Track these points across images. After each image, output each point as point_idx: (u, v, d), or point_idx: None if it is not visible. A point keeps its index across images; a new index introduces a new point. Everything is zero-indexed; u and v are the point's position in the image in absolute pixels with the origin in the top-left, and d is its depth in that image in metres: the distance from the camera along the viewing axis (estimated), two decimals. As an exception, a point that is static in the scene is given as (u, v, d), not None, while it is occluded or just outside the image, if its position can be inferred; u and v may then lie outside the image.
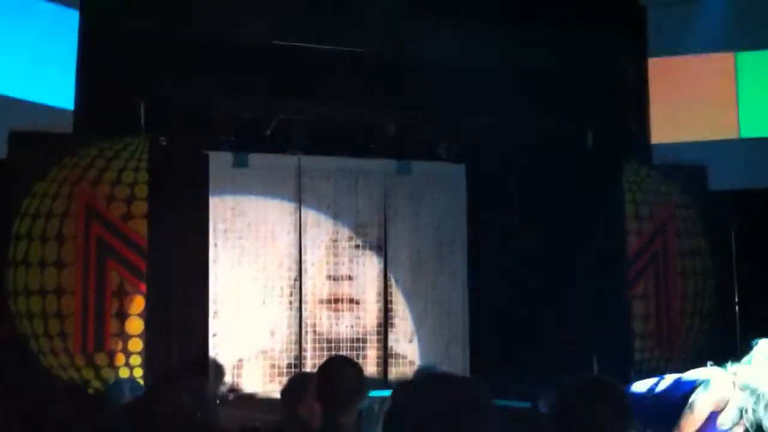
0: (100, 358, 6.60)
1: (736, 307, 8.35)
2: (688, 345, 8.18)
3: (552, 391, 3.09)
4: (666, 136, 8.31)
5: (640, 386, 4.72)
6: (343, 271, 8.84)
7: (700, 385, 4.39)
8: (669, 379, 4.69)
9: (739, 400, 4.30)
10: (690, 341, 8.19)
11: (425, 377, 1.83)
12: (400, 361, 8.93)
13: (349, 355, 8.56)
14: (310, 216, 8.79)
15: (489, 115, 8.40)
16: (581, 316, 8.14)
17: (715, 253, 8.34)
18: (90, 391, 6.29)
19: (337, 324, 8.77)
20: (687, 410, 4.32)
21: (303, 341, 8.61)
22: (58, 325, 6.50)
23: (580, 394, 2.26)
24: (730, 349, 7.91)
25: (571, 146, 8.87)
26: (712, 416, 4.33)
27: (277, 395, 8.16)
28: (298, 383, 3.61)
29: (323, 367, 3.19)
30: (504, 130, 8.71)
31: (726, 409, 4.32)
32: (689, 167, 8.31)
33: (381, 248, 8.98)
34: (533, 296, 8.56)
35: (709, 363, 4.66)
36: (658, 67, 8.35)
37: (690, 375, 4.60)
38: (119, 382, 5.32)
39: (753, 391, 4.27)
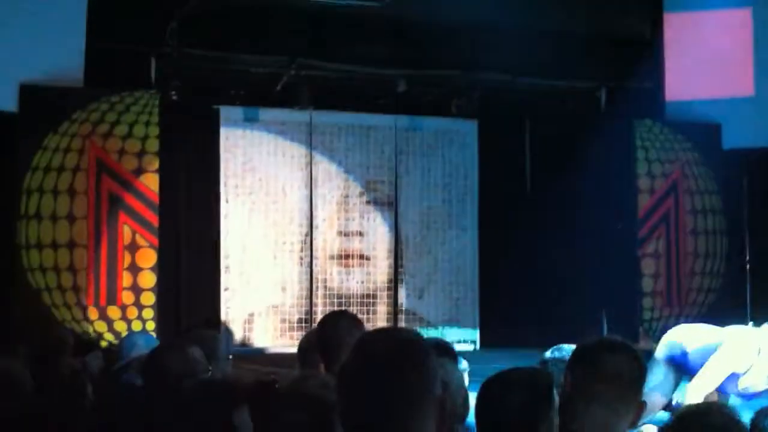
0: (113, 312, 6.66)
1: (748, 266, 8.33)
2: (698, 304, 8.18)
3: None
4: (680, 93, 8.20)
5: (684, 337, 4.59)
6: (354, 226, 8.85)
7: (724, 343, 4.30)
8: (708, 333, 4.56)
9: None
10: (700, 300, 8.19)
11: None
12: (410, 317, 8.98)
13: (359, 311, 8.65)
14: (320, 171, 8.78)
15: (501, 73, 8.32)
16: (591, 273, 8.14)
17: (727, 211, 8.29)
18: (103, 344, 6.37)
19: (347, 279, 8.81)
20: (705, 369, 4.27)
21: (313, 296, 8.66)
22: (71, 279, 6.55)
23: (599, 353, 2.25)
24: (741, 308, 7.97)
25: (584, 103, 8.78)
26: (732, 377, 4.27)
27: (288, 349, 8.28)
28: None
29: (321, 321, 3.21)
30: (516, 87, 8.63)
31: (750, 373, 4.26)
32: (703, 125, 8.23)
33: (392, 204, 8.98)
34: (543, 253, 8.56)
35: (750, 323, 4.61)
36: (673, 24, 8.21)
37: (726, 331, 4.47)
38: (133, 335, 5.36)
39: None
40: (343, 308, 8.46)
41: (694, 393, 4.21)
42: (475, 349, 8.81)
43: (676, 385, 4.52)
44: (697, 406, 2.36)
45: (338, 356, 2.89)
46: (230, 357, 3.57)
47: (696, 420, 1.98)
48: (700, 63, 8.12)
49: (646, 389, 2.35)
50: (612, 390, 2.18)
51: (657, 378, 4.38)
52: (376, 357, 1.56)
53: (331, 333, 2.99)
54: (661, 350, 4.60)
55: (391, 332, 2.12)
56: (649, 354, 4.44)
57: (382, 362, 1.55)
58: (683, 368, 4.47)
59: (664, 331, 7.97)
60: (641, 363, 2.29)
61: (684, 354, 4.47)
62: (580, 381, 2.22)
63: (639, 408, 2.23)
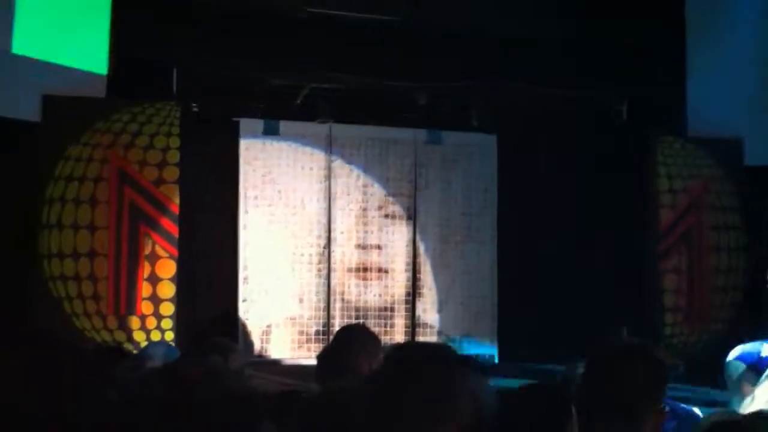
0: (132, 321, 6.68)
1: (769, 283, 8.24)
2: (719, 320, 8.10)
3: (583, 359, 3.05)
4: (702, 108, 8.15)
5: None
6: (372, 239, 8.84)
7: None
8: None
9: None
10: (722, 316, 8.11)
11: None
12: (428, 330, 8.95)
13: (376, 324, 8.63)
14: (339, 184, 8.79)
15: (521, 86, 8.30)
16: (611, 288, 8.08)
17: (749, 228, 8.22)
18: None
19: (365, 292, 8.79)
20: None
21: (331, 309, 8.65)
22: (91, 288, 6.58)
23: (615, 358, 2.21)
24: (762, 325, 7.87)
25: (605, 118, 8.75)
26: None
27: (305, 361, 8.26)
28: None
29: (337, 333, 3.22)
30: (536, 100, 8.61)
31: None
32: (725, 140, 8.17)
33: (410, 218, 8.97)
34: (562, 268, 8.51)
35: None
36: (696, 38, 8.17)
37: None
38: (155, 344, 5.37)
39: None
40: (360, 321, 8.45)
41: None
42: (493, 363, 8.76)
43: None
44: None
45: (354, 368, 2.88)
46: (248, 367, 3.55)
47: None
48: (722, 78, 8.07)
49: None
50: (627, 396, 2.14)
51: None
52: (408, 366, 1.55)
53: (346, 345, 2.99)
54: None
55: (423, 344, 2.13)
56: (672, 369, 4.35)
57: (414, 372, 1.53)
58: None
59: (685, 347, 7.96)
60: (660, 367, 2.24)
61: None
62: (595, 387, 2.19)
63: (658, 415, 2.18)
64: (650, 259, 8.05)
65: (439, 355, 1.60)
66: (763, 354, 4.19)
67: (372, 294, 8.82)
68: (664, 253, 7.98)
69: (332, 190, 8.74)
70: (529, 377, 7.53)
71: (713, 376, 6.95)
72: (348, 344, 3.00)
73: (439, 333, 8.97)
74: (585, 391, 2.20)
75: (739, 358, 4.25)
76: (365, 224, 8.85)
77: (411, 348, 1.68)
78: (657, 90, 8.36)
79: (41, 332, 5.97)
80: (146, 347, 4.54)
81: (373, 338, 3.08)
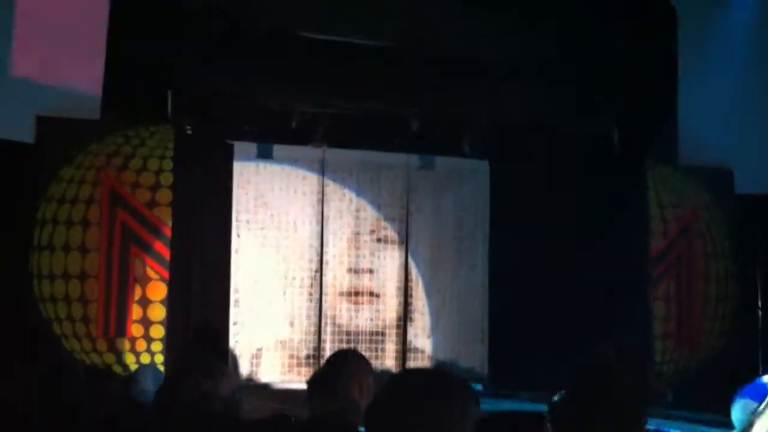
0: (122, 344, 6.66)
1: (760, 312, 8.26)
2: (710, 347, 8.11)
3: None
4: (694, 137, 8.21)
5: None
6: (364, 264, 8.86)
7: None
8: None
9: None
10: (712, 344, 8.12)
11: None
12: (419, 355, 8.94)
13: (367, 348, 8.62)
14: (332, 208, 8.82)
15: (513, 112, 8.36)
16: (602, 315, 8.09)
17: (739, 256, 8.25)
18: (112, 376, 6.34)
19: (356, 317, 8.79)
20: None
21: (322, 333, 8.64)
22: (81, 310, 6.56)
23: (600, 379, 2.21)
24: (753, 353, 7.89)
25: (596, 145, 8.80)
26: None
27: (295, 385, 8.23)
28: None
29: (328, 359, 3.23)
30: (528, 127, 8.67)
31: None
32: (715, 169, 8.23)
33: (402, 242, 8.99)
34: (554, 294, 8.52)
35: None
36: (685, 67, 8.25)
37: None
38: (143, 368, 5.37)
39: None
40: (352, 346, 8.44)
41: None
42: (484, 388, 8.74)
43: None
44: None
45: (345, 393, 2.89)
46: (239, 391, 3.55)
47: None
48: (713, 107, 8.15)
49: None
50: (612, 417, 2.14)
51: None
52: (410, 392, 1.56)
53: (337, 370, 2.99)
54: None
55: (426, 370, 2.14)
56: (661, 396, 4.35)
57: (417, 397, 1.55)
58: None
59: (675, 374, 7.96)
60: (645, 388, 2.25)
61: None
62: (580, 408, 2.19)
63: None
64: (641, 285, 8.07)
65: (442, 379, 1.61)
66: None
67: (363, 318, 8.82)
68: (654, 280, 8.00)
69: (325, 214, 8.76)
70: (519, 403, 7.53)
71: (703, 403, 6.98)
72: (339, 369, 3.00)
73: (430, 358, 8.96)
74: (570, 412, 2.20)
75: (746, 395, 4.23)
76: (357, 248, 8.87)
77: (415, 373, 1.69)
78: (649, 118, 8.43)
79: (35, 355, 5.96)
80: (135, 370, 4.53)
81: (364, 363, 3.09)
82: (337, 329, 8.71)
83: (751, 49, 8.21)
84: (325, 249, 8.73)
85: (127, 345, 6.65)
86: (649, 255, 8.00)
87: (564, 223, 8.72)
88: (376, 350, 8.73)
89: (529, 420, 2.18)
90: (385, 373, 8.52)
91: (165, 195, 6.88)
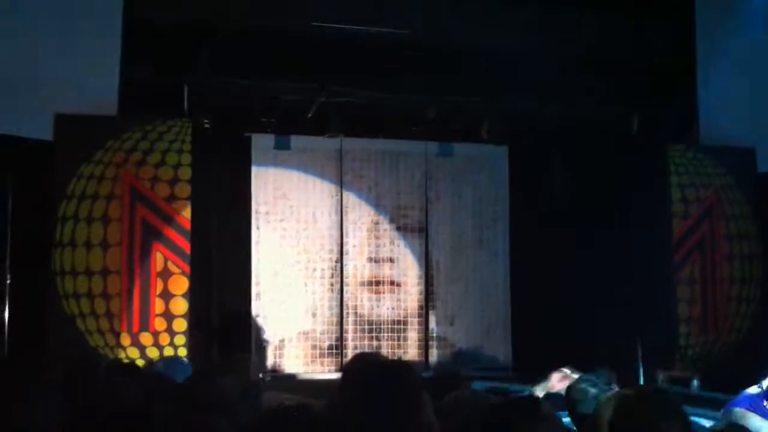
0: (145, 338, 6.69)
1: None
2: (734, 330, 8.03)
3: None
4: (714, 117, 8.11)
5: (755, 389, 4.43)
6: (384, 253, 8.84)
7: None
8: None
9: None
10: (737, 326, 8.05)
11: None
12: (441, 343, 8.93)
13: (389, 337, 8.62)
14: (351, 198, 8.81)
15: (532, 97, 8.29)
16: (625, 299, 8.03)
17: (763, 236, 8.16)
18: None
19: (378, 306, 8.79)
20: None
21: (344, 323, 8.64)
22: (104, 305, 6.60)
23: (639, 406, 2.18)
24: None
25: (616, 128, 8.72)
26: None
27: (318, 376, 8.25)
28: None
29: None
30: (547, 111, 8.59)
31: None
32: (737, 149, 8.13)
33: (422, 230, 8.96)
34: (575, 279, 8.47)
35: None
36: (706, 47, 8.15)
37: None
38: (166, 360, 5.39)
39: None
40: (374, 335, 8.45)
41: None
42: (507, 375, 8.72)
43: None
44: None
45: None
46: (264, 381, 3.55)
47: None
48: (733, 86, 8.04)
49: None
50: None
51: None
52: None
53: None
54: None
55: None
56: (686, 381, 4.33)
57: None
58: None
59: (700, 357, 7.90)
60: (684, 421, 2.22)
61: None
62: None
63: None
64: (664, 269, 8.00)
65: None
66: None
67: (385, 307, 8.81)
68: (677, 264, 7.93)
69: (343, 204, 8.75)
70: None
71: (730, 387, 6.91)
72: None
73: (452, 346, 8.94)
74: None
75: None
76: (377, 237, 8.86)
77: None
78: (668, 100, 8.33)
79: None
80: (157, 362, 4.55)
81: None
82: (358, 319, 8.72)
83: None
84: (345, 239, 8.73)
85: (150, 339, 6.69)
86: (672, 238, 7.92)
87: (585, 208, 8.67)
88: (399, 339, 8.73)
89: (525, 402, 2.19)
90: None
91: (184, 189, 6.90)
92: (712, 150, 8.15)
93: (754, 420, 3.98)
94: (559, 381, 4.49)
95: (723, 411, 4.30)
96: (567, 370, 4.61)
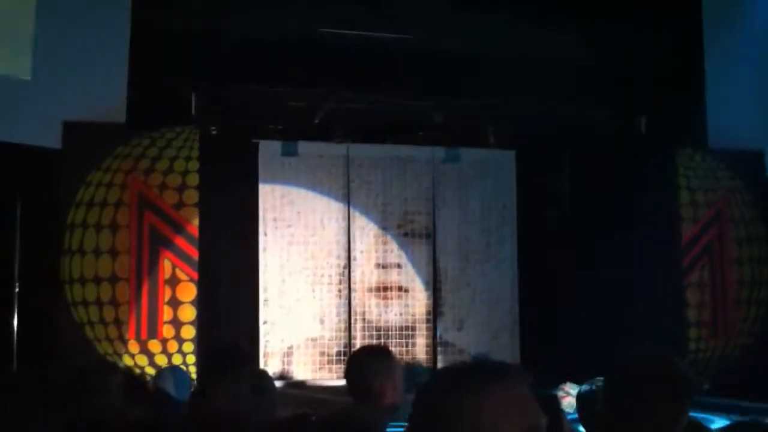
0: (154, 345, 6.70)
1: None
2: (744, 334, 8.00)
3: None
4: (723, 121, 8.09)
5: None
6: (392, 259, 8.83)
7: None
8: None
9: None
10: (747, 330, 8.01)
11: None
12: (449, 349, 8.90)
13: (397, 343, 8.61)
14: (358, 204, 8.80)
15: (538, 102, 8.28)
16: (634, 303, 8.00)
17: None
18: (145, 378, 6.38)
19: (386, 312, 8.77)
20: None
21: (352, 329, 8.63)
22: (113, 313, 6.61)
23: (638, 374, 2.18)
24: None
25: (625, 132, 8.70)
26: None
27: (327, 382, 8.24)
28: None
29: (348, 360, 3.23)
30: (554, 116, 8.58)
31: None
32: (745, 152, 8.11)
33: (430, 236, 8.95)
34: (584, 284, 8.44)
35: None
36: (714, 51, 8.13)
37: None
38: (168, 370, 5.39)
39: None
40: (382, 342, 8.43)
41: None
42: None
43: None
44: None
45: (368, 390, 2.88)
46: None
47: None
48: (742, 90, 8.03)
49: None
50: (650, 413, 2.12)
51: None
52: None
53: (358, 369, 2.99)
54: None
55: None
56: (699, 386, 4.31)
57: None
58: None
59: (711, 361, 7.87)
60: (683, 384, 2.21)
61: None
62: (617, 403, 2.17)
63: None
64: (673, 273, 7.98)
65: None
66: None
67: (393, 313, 8.80)
68: (687, 267, 7.90)
69: (351, 210, 8.75)
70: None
71: (740, 391, 6.88)
72: (361, 367, 2.99)
73: (461, 352, 8.92)
74: (607, 407, 2.19)
75: None
76: (384, 243, 8.85)
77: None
78: (677, 103, 8.32)
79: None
80: (159, 372, 4.54)
81: (384, 357, 3.07)
82: (366, 325, 8.70)
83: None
84: (352, 245, 8.72)
85: (158, 347, 6.69)
86: (681, 242, 7.90)
87: (593, 213, 8.64)
88: (407, 345, 8.71)
89: (542, 402, 2.18)
90: (416, 368, 8.51)
91: (192, 196, 6.91)
92: (721, 153, 8.13)
93: None
94: (561, 399, 4.48)
95: None
96: (569, 389, 4.61)
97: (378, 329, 8.71)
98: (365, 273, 8.77)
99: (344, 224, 8.72)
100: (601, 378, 3.66)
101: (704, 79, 8.14)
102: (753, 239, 8.11)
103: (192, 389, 3.92)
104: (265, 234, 8.48)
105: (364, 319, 8.71)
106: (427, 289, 8.90)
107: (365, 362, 3.00)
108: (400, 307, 8.82)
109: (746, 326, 8.02)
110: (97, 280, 6.61)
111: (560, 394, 4.60)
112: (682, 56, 8.23)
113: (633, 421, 2.14)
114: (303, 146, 8.63)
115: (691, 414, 2.30)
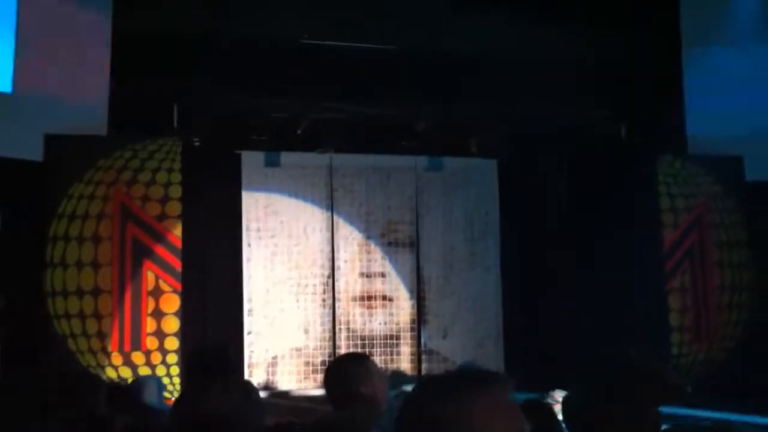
0: (137, 357, 6.67)
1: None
2: (727, 338, 8.06)
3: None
4: (701, 126, 8.17)
5: None
6: (376, 268, 8.84)
7: None
8: None
9: None
10: (729, 334, 8.07)
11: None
12: (434, 357, 8.92)
13: (382, 352, 8.61)
14: (342, 214, 8.82)
15: (520, 110, 8.33)
16: (616, 310, 8.05)
17: (753, 244, 8.20)
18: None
19: (370, 321, 8.78)
20: None
21: (337, 338, 8.63)
22: (96, 325, 6.58)
23: (617, 375, 2.22)
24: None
25: (604, 139, 8.76)
26: None
27: (312, 392, 8.23)
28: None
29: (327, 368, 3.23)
30: (536, 124, 8.63)
31: None
32: (726, 158, 8.18)
33: (413, 245, 8.97)
34: (567, 290, 8.49)
35: None
36: (693, 57, 8.22)
37: None
38: (143, 379, 5.39)
39: None
40: (366, 351, 8.43)
41: None
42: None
43: None
44: None
45: (353, 396, 2.89)
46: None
47: None
48: (720, 95, 8.11)
49: None
50: (628, 413, 2.15)
51: None
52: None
53: (339, 376, 3.00)
54: None
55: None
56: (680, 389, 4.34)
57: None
58: None
59: (694, 366, 7.92)
60: (662, 386, 2.25)
61: None
62: (596, 404, 2.20)
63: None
64: (655, 278, 8.03)
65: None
66: None
67: (377, 322, 8.81)
68: (668, 273, 7.96)
69: (334, 220, 8.76)
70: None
71: (722, 395, 6.93)
72: (339, 376, 3.00)
73: (445, 359, 8.93)
74: (586, 408, 2.21)
75: None
76: (368, 252, 8.86)
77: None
78: (656, 110, 8.39)
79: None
80: (135, 381, 4.54)
81: (363, 365, 3.07)
82: (351, 334, 8.70)
83: (757, 32, 8.17)
84: (336, 254, 8.73)
85: (142, 358, 6.67)
86: (662, 247, 7.96)
87: (574, 220, 8.69)
88: (392, 354, 8.72)
89: (536, 406, 2.20)
90: (401, 377, 8.51)
91: (174, 207, 6.91)
92: (701, 159, 8.21)
93: None
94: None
95: None
96: (558, 396, 4.64)
97: (362, 338, 8.72)
98: (349, 282, 8.78)
99: (328, 234, 8.72)
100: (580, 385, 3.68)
101: (683, 86, 8.21)
102: (733, 244, 8.18)
103: (173, 397, 3.92)
104: (249, 244, 8.48)
105: (348, 329, 8.72)
106: (411, 298, 8.92)
107: (344, 369, 3.00)
108: (384, 316, 8.83)
109: (728, 330, 8.08)
110: (80, 293, 6.59)
111: (549, 401, 4.62)
112: (661, 63, 8.30)
113: (613, 424, 2.16)
114: (286, 156, 8.65)
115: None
